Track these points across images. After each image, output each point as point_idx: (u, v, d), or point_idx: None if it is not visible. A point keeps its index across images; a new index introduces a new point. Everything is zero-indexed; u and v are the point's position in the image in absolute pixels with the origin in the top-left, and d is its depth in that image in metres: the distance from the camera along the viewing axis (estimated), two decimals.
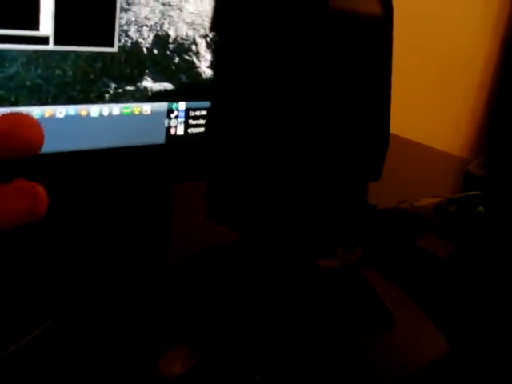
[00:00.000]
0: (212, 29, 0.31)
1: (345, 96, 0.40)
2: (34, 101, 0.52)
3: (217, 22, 0.32)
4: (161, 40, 0.57)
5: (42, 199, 0.24)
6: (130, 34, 0.55)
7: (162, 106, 0.59)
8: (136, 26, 0.55)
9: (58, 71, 0.52)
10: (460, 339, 0.45)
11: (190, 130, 0.61)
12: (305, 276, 0.30)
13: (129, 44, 0.55)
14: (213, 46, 0.54)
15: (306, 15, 0.29)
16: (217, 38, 0.31)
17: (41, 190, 0.24)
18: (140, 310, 0.44)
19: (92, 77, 0.54)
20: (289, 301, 0.31)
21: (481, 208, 0.70)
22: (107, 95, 0.55)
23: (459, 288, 0.55)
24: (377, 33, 0.32)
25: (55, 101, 0.53)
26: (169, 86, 0.58)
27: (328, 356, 0.31)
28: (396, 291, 0.39)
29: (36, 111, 0.52)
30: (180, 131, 0.61)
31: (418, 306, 0.38)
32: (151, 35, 0.56)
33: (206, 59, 0.60)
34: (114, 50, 0.55)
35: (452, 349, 0.39)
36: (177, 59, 0.58)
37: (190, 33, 0.58)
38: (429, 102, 1.44)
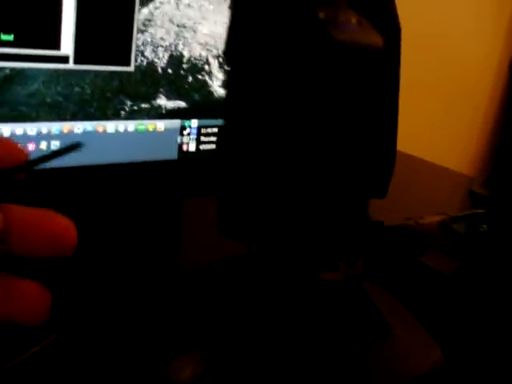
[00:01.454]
0: (225, 52, 0.33)
1: (352, 118, 0.42)
2: (53, 117, 0.54)
3: (230, 45, 0.34)
4: (175, 60, 0.59)
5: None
6: (145, 54, 0.57)
7: (175, 123, 0.61)
8: (152, 47, 0.58)
9: (76, 89, 0.55)
10: (460, 353, 0.47)
11: (201, 147, 0.63)
12: (308, 288, 0.32)
13: (144, 64, 0.58)
14: (226, 67, 0.56)
15: (313, 46, 0.31)
16: (230, 59, 0.34)
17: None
18: (152, 318, 0.46)
19: (109, 95, 0.57)
20: (293, 312, 0.33)
21: (484, 226, 0.71)
22: (123, 112, 0.58)
23: (462, 304, 0.57)
24: (380, 61, 0.34)
25: (74, 117, 0.55)
26: (182, 104, 0.61)
27: (330, 364, 0.32)
28: (395, 304, 0.41)
29: (55, 127, 0.55)
30: (192, 148, 0.63)
31: (416, 319, 0.40)
32: (166, 55, 0.59)
33: (218, 79, 0.62)
34: (131, 69, 0.57)
35: (450, 361, 0.40)
36: (190, 78, 0.60)
37: (204, 53, 0.61)
38: (437, 120, 1.46)
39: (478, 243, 0.67)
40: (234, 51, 0.34)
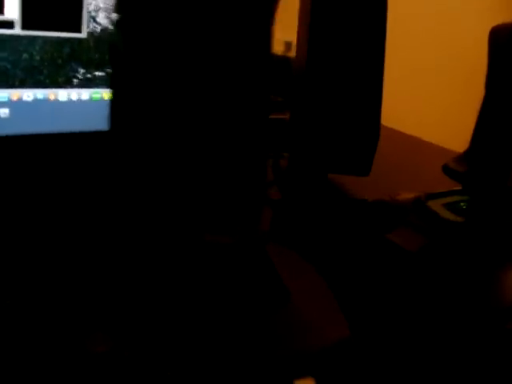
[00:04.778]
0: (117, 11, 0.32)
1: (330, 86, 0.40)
2: (0, 83, 0.53)
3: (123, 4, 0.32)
4: None
5: None
6: (98, 20, 0.56)
7: None
8: (105, 13, 0.56)
9: (25, 55, 0.54)
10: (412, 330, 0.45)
11: None
12: (196, 250, 0.30)
13: (97, 30, 0.56)
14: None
15: None
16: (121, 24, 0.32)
17: None
18: (73, 295, 0.45)
19: (60, 62, 0.55)
20: (182, 276, 0.31)
21: (462, 204, 0.68)
22: (76, 80, 0.56)
23: (420, 281, 0.55)
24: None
25: (23, 84, 0.54)
26: None
27: (220, 332, 0.31)
28: (310, 273, 0.39)
29: (3, 94, 0.54)
30: None
31: (328, 289, 0.38)
32: None
33: None
34: (83, 35, 0.56)
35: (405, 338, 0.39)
36: None
37: None
38: (429, 96, 1.42)
39: (449, 222, 0.64)
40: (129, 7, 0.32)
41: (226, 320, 0.31)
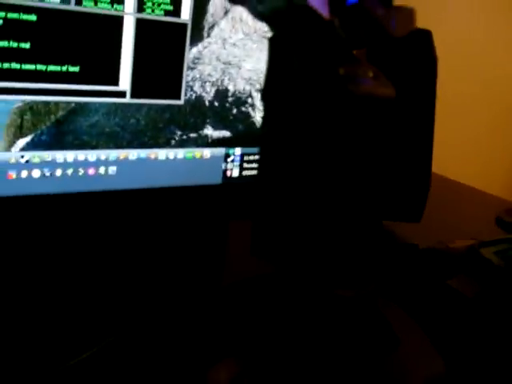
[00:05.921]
0: (263, 97, 0.39)
1: (380, 154, 0.47)
2: (111, 145, 0.61)
3: (266, 92, 0.40)
4: (221, 94, 0.65)
5: None
6: (194, 88, 0.64)
7: (220, 151, 0.67)
8: (200, 82, 0.64)
9: (132, 120, 0.61)
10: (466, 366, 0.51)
11: (244, 173, 0.69)
12: (325, 302, 0.37)
13: (193, 97, 0.64)
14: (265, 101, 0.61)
15: (335, 98, 0.37)
16: (267, 104, 0.39)
17: None
18: (194, 329, 0.51)
19: (161, 125, 0.63)
20: (312, 323, 0.38)
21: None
22: (173, 141, 0.64)
23: (478, 325, 0.60)
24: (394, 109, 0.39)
25: (129, 145, 0.62)
26: (227, 133, 0.67)
27: (340, 371, 0.37)
28: (408, 320, 0.45)
29: (112, 154, 0.61)
30: (235, 173, 0.69)
31: (424, 334, 0.44)
32: (213, 90, 0.65)
33: (260, 110, 0.68)
34: (181, 102, 0.63)
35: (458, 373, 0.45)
36: (234, 110, 0.66)
37: (247, 87, 0.66)
38: (480, 142, 1.47)
39: (502, 268, 0.70)
40: (270, 98, 0.39)
41: (346, 363, 0.37)
